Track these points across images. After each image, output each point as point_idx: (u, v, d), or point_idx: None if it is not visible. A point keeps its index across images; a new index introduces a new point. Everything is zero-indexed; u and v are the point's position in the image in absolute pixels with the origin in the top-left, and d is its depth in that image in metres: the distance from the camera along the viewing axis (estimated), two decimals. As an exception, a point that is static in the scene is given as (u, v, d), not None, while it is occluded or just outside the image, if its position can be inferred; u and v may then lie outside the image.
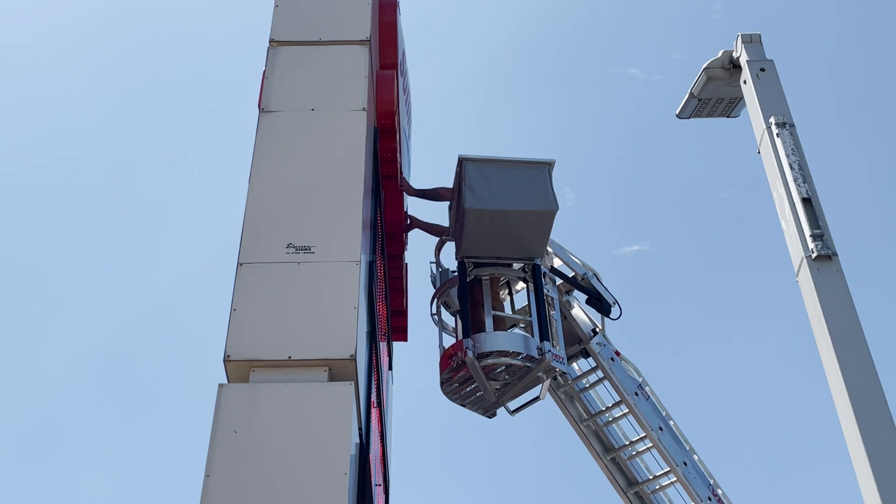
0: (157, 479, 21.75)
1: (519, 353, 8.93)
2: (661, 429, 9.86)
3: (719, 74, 10.77)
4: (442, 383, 9.30)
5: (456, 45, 27.11)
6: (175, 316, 23.85)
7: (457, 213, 9.42)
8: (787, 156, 9.49)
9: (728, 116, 11.31)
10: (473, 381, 9.15)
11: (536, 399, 9.76)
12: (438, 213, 10.17)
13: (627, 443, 10.28)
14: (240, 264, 6.11)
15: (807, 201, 9.14)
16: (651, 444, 9.97)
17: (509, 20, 27.14)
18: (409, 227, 10.08)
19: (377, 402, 7.18)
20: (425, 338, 10.10)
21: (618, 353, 10.11)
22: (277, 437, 5.37)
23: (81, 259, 23.80)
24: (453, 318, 9.84)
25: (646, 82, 26.42)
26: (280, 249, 6.17)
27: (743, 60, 10.45)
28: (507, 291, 9.99)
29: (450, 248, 9.84)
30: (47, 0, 25.80)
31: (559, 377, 9.76)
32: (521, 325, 9.86)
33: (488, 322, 9.19)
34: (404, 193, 9.65)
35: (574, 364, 10.31)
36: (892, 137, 25.12)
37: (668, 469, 9.94)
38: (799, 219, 9.03)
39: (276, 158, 6.67)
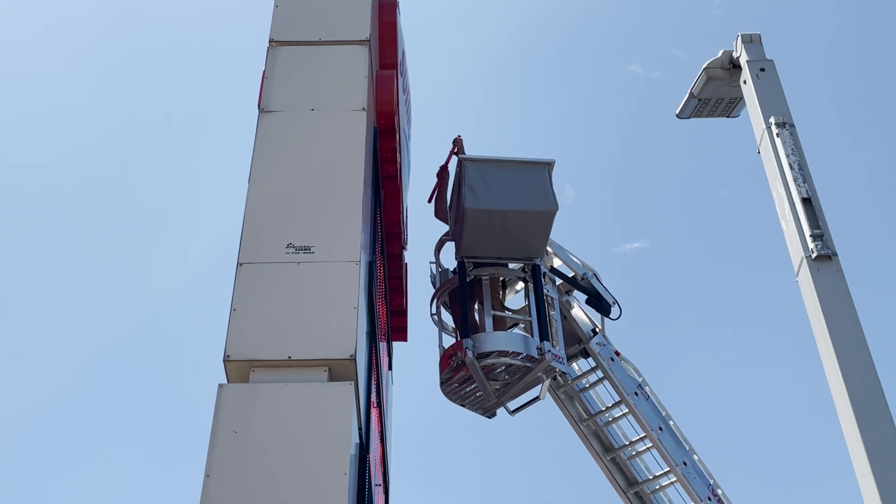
0: (157, 480, 21.76)
1: (519, 353, 8.94)
2: (660, 429, 9.86)
3: (719, 74, 10.77)
4: (442, 383, 9.31)
5: (456, 45, 27.12)
6: (175, 316, 23.87)
7: (456, 213, 9.42)
8: (787, 156, 9.49)
9: (728, 116, 11.31)
10: (473, 381, 9.16)
11: (536, 399, 9.76)
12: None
13: (627, 443, 10.28)
14: (240, 264, 6.11)
15: (807, 201, 9.14)
16: (651, 444, 9.97)
17: (509, 20, 27.15)
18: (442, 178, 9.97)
19: (377, 402, 7.18)
20: (425, 338, 10.11)
21: (617, 353, 10.11)
22: (277, 437, 5.37)
23: (81, 259, 23.81)
24: (453, 319, 9.84)
25: (646, 79, 26.43)
26: (280, 249, 6.17)
27: (743, 60, 10.45)
28: (506, 291, 10.00)
29: (450, 248, 9.85)
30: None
31: (559, 377, 9.76)
32: (521, 325, 9.87)
33: (488, 322, 9.20)
34: (403, 193, 9.64)
35: (574, 364, 10.30)
36: (892, 137, 25.14)
37: (668, 469, 9.94)
38: (799, 219, 9.03)
39: (276, 158, 6.67)
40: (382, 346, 8.15)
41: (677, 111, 11.36)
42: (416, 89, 10.92)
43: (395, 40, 8.85)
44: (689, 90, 11.04)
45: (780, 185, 9.41)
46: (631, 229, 26.12)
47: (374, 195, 7.67)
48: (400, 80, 8.85)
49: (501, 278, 9.81)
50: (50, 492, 21.08)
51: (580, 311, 10.26)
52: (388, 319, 9.06)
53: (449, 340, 9.41)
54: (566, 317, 10.07)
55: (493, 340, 8.99)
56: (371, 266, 7.00)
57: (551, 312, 9.47)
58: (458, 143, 9.97)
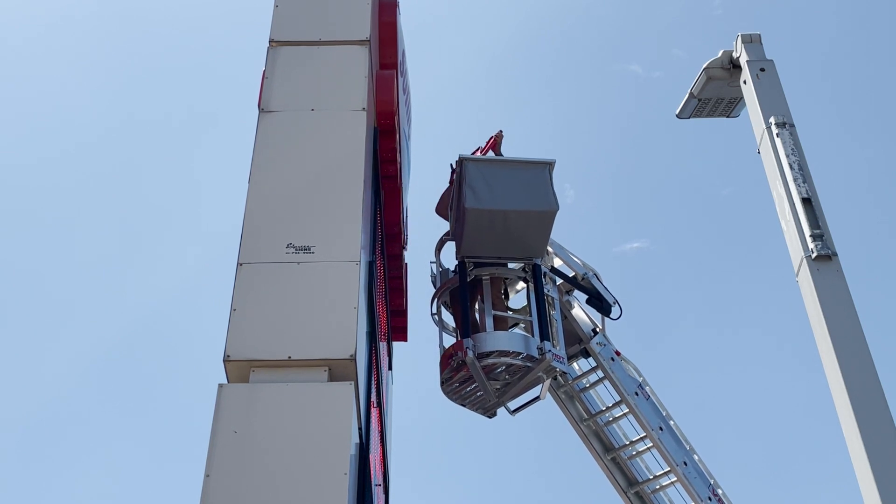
0: (157, 479, 21.76)
1: (519, 353, 8.94)
2: (661, 428, 9.86)
3: (719, 74, 10.77)
4: (442, 383, 9.31)
5: (456, 45, 27.13)
6: (175, 316, 23.88)
7: (457, 212, 9.42)
8: (787, 156, 9.49)
9: (728, 116, 11.31)
10: (474, 381, 9.16)
11: (536, 399, 9.76)
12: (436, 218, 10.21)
13: (628, 442, 10.28)
14: (240, 264, 6.11)
15: (807, 201, 9.13)
16: (651, 444, 9.97)
17: (509, 20, 27.15)
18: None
19: (377, 402, 7.18)
20: (425, 338, 10.12)
21: (618, 353, 10.11)
22: (277, 437, 5.37)
23: (81, 259, 23.81)
24: (453, 318, 9.83)
25: (646, 79, 26.43)
26: (280, 249, 6.17)
27: (743, 60, 10.45)
28: (508, 292, 9.99)
29: (450, 247, 9.85)
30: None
31: (559, 377, 9.76)
32: (522, 325, 9.87)
33: (488, 322, 9.20)
34: (403, 193, 9.65)
35: (574, 364, 10.31)
36: (892, 137, 25.14)
37: (669, 469, 9.94)
38: (799, 219, 9.03)
39: (276, 158, 6.67)
40: (382, 346, 8.15)
41: (677, 111, 11.36)
42: (416, 89, 10.92)
43: (395, 40, 8.86)
44: (689, 90, 11.04)
45: (780, 185, 9.41)
46: (631, 229, 26.14)
47: (374, 195, 7.67)
48: (400, 80, 8.85)
49: (505, 280, 9.81)
50: (50, 492, 21.10)
51: (581, 311, 10.26)
52: (388, 319, 9.06)
53: (449, 340, 9.41)
54: (567, 316, 10.07)
55: (494, 340, 8.99)
56: (371, 266, 7.00)
57: (552, 312, 9.47)
58: (499, 137, 9.99)
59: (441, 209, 10.11)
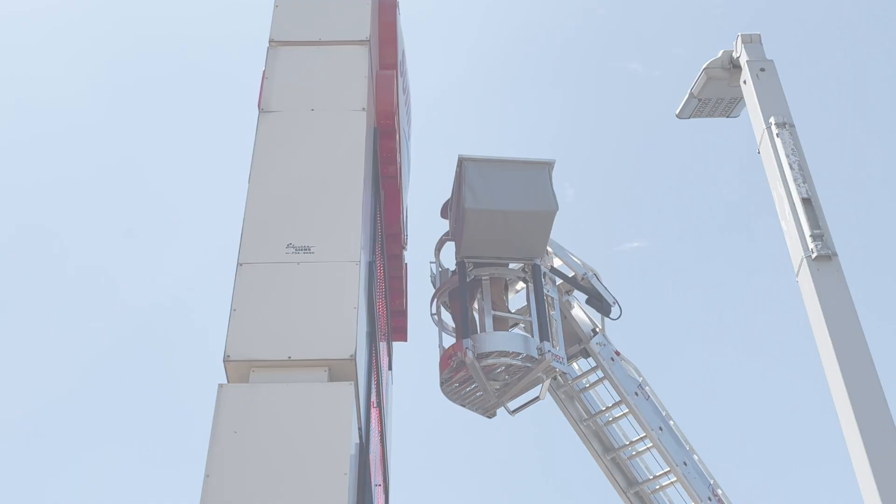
0: (157, 479, 21.76)
1: (519, 354, 8.94)
2: (661, 429, 9.86)
3: (719, 74, 10.75)
4: (442, 383, 9.31)
5: (456, 45, 27.13)
6: (175, 316, 23.86)
7: (456, 213, 9.42)
8: (787, 156, 9.48)
9: (728, 116, 11.30)
10: (473, 382, 9.16)
11: (536, 399, 9.77)
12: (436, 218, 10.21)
13: (627, 443, 10.28)
14: (240, 264, 6.12)
15: (807, 201, 9.12)
16: (651, 444, 9.97)
17: (509, 20, 27.15)
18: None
19: (377, 402, 7.18)
20: (425, 338, 10.12)
21: (618, 353, 10.11)
22: (277, 437, 5.38)
23: (81, 259, 23.81)
24: (453, 318, 9.83)
25: (646, 77, 26.42)
26: (280, 249, 6.18)
27: (743, 60, 10.44)
28: (508, 292, 9.99)
29: (450, 248, 9.85)
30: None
31: (559, 377, 9.77)
32: (521, 325, 9.87)
33: (488, 322, 9.20)
34: (403, 193, 9.65)
35: (574, 364, 10.31)
36: (892, 137, 25.14)
37: (668, 469, 9.94)
38: (799, 219, 9.03)
39: (276, 158, 6.68)
40: (382, 346, 8.16)
41: (677, 111, 11.34)
42: (416, 89, 10.93)
43: (395, 40, 8.86)
44: (689, 90, 11.04)
45: (781, 185, 9.40)
46: (631, 228, 26.15)
47: (374, 195, 7.67)
48: (400, 80, 8.86)
49: (506, 280, 9.81)
50: (49, 491, 21.10)
51: (580, 311, 10.26)
52: (388, 319, 9.06)
53: (449, 340, 9.41)
54: (566, 317, 10.07)
55: (494, 341, 8.99)
56: (371, 266, 7.00)
57: (551, 312, 9.48)
58: None
59: (446, 213, 10.12)
